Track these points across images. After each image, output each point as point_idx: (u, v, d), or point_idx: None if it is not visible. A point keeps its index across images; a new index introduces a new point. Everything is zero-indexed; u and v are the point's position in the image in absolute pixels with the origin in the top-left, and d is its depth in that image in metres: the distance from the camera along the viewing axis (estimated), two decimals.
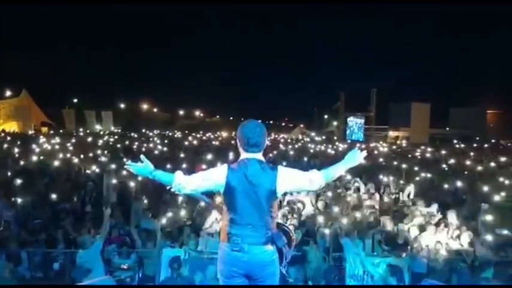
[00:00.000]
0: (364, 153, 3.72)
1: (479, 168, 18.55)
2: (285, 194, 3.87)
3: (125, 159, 17.20)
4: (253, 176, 3.53)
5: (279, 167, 3.62)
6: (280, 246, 3.59)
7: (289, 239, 3.74)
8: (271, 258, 3.57)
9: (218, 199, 5.39)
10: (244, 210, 3.52)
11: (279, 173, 3.57)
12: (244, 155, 3.64)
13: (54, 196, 11.15)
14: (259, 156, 3.63)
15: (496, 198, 11.68)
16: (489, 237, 8.52)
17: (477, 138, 39.50)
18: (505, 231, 9.02)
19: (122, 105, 58.23)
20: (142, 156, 3.59)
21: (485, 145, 32.14)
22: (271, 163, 3.71)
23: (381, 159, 21.18)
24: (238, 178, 3.53)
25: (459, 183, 13.96)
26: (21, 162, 16.19)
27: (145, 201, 10.93)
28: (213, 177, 3.57)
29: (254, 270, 3.55)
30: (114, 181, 11.62)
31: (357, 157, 3.69)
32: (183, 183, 3.52)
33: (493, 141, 38.23)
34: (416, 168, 17.20)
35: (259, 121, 3.72)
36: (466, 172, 17.79)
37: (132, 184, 11.88)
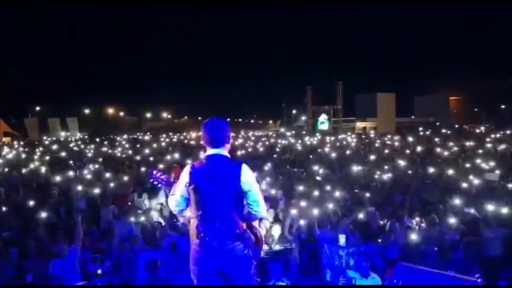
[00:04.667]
0: None
1: (446, 153, 19.02)
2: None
3: (92, 166, 16.96)
4: (216, 171, 3.55)
5: (243, 164, 3.65)
6: (250, 245, 3.59)
7: (257, 238, 3.72)
8: (242, 253, 3.55)
9: None
10: (210, 206, 3.51)
11: (242, 169, 3.60)
12: (208, 151, 3.68)
13: (24, 207, 10.90)
14: (222, 151, 3.66)
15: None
16: (453, 220, 8.76)
17: (437, 124, 40.50)
18: (472, 211, 9.26)
19: (87, 111, 57.17)
20: None
21: (449, 131, 32.91)
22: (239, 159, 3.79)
23: (350, 151, 21.50)
24: (202, 175, 3.54)
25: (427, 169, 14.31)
26: None
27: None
28: (182, 184, 3.65)
29: (226, 267, 3.51)
30: (81, 188, 11.55)
31: None
32: (172, 209, 3.81)
33: (456, 126, 39.22)
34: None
35: (222, 118, 3.81)
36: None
37: (97, 190, 11.74)
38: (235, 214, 3.54)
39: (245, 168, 3.61)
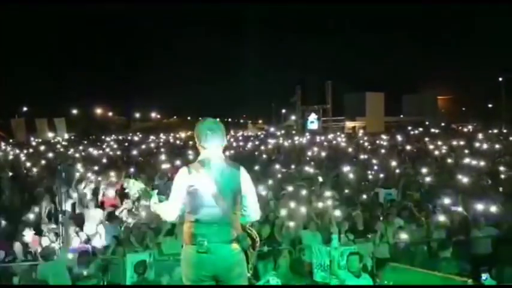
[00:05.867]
0: None
1: (435, 152, 19.08)
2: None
3: (79, 166, 16.77)
4: (216, 174, 3.47)
5: (241, 168, 3.61)
6: (245, 247, 3.55)
7: (253, 241, 3.68)
8: (238, 258, 3.50)
9: None
10: (208, 209, 3.44)
11: (241, 173, 3.57)
12: (204, 153, 3.57)
13: (11, 208, 10.77)
14: (220, 153, 3.59)
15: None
16: (443, 218, 8.78)
17: (426, 123, 40.84)
18: (459, 209, 9.29)
19: (75, 111, 56.67)
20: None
21: (437, 130, 33.13)
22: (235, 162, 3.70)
23: (340, 150, 21.53)
24: (201, 178, 3.45)
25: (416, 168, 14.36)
26: None
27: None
28: (179, 190, 3.52)
29: (221, 272, 3.45)
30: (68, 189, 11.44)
31: None
32: (167, 218, 3.72)
33: (442, 124, 39.55)
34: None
35: (217, 119, 3.71)
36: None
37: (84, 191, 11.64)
38: (233, 217, 3.50)
39: (244, 172, 3.59)
